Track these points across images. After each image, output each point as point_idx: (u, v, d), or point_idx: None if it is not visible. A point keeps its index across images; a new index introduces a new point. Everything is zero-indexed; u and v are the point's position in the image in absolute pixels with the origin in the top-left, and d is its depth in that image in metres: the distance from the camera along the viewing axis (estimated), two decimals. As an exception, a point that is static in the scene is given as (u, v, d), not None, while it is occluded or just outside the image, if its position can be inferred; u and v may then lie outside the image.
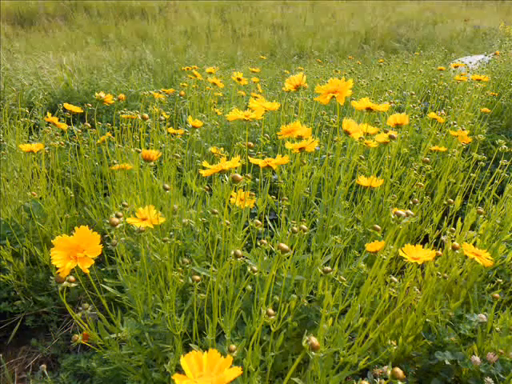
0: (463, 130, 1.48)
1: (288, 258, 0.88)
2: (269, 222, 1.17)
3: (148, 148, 1.40)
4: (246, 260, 0.98)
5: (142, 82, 3.78)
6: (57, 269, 0.62)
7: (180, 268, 0.88)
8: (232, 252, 0.69)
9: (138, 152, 1.10)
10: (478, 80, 1.96)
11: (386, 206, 1.32)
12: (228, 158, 1.18)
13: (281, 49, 7.02)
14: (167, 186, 0.81)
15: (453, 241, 1.08)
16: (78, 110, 1.31)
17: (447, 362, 0.89)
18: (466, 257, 0.97)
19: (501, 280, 1.01)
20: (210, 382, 0.39)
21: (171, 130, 1.43)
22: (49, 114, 1.39)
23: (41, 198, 1.42)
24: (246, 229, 1.04)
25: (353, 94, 2.24)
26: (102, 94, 1.23)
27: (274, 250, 0.82)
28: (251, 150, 1.01)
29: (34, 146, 1.25)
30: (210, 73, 2.31)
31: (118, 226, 0.69)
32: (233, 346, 0.62)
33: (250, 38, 7.51)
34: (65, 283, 0.63)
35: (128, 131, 1.45)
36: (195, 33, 7.63)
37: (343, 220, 1.11)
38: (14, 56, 4.73)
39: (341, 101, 0.85)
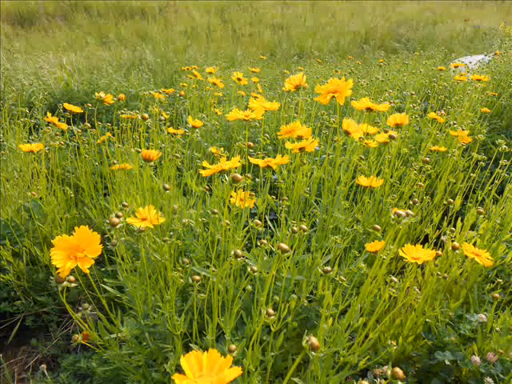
0: (463, 130, 1.48)
1: (288, 257, 0.88)
2: (269, 222, 1.17)
3: (148, 148, 1.40)
4: (246, 260, 0.98)
5: (142, 82, 3.79)
6: (57, 269, 0.62)
7: (180, 268, 0.88)
8: (232, 252, 0.69)
9: (138, 152, 1.10)
10: (478, 80, 1.96)
11: (386, 206, 1.32)
12: (228, 158, 1.18)
13: (281, 49, 7.02)
14: (167, 186, 0.81)
15: (453, 241, 1.08)
16: (77, 109, 1.31)
17: (447, 362, 0.89)
18: (466, 257, 0.97)
19: (501, 280, 1.01)
20: (210, 382, 0.39)
21: (171, 130, 1.43)
22: (49, 114, 1.39)
23: (41, 198, 1.42)
24: (246, 229, 1.04)
25: (353, 94, 2.24)
26: (101, 94, 1.23)
27: (274, 249, 0.82)
28: (251, 150, 1.01)
29: (34, 146, 1.25)
30: (210, 73, 2.31)
31: (118, 226, 0.69)
32: (233, 346, 0.62)
33: (250, 38, 7.51)
34: (65, 283, 0.63)
35: (128, 131, 1.45)
36: (195, 33, 7.63)
37: (343, 220, 1.11)
38: (14, 56, 4.73)
39: (341, 101, 0.85)
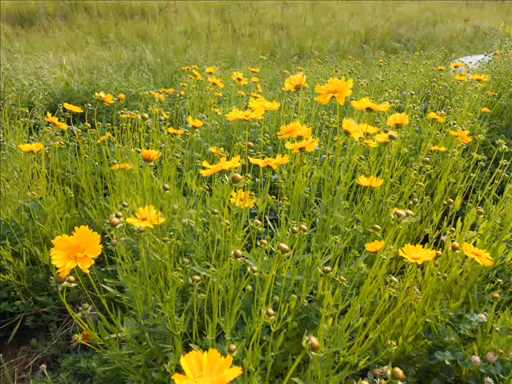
0: (463, 130, 1.48)
1: (288, 257, 0.88)
2: (269, 222, 1.17)
3: (148, 148, 1.40)
4: (246, 260, 0.98)
5: (142, 82, 3.79)
6: (57, 269, 0.62)
7: (180, 268, 0.88)
8: (232, 252, 0.69)
9: (138, 152, 1.10)
10: (478, 80, 1.96)
11: (386, 206, 1.32)
12: (228, 158, 1.18)
13: (281, 49, 7.02)
14: (167, 186, 0.81)
15: (453, 241, 1.08)
16: (77, 109, 1.31)
17: (447, 362, 0.89)
18: (466, 257, 0.97)
19: (501, 280, 1.01)
20: (210, 382, 0.39)
21: (171, 130, 1.43)
22: (49, 114, 1.39)
23: (41, 198, 1.42)
24: (246, 229, 1.04)
25: (353, 94, 2.25)
26: (102, 94, 1.23)
27: (274, 249, 0.82)
28: (251, 150, 1.01)
29: (34, 146, 1.25)
30: (210, 73, 2.31)
31: (118, 226, 0.69)
32: (233, 346, 0.62)
33: (250, 38, 7.51)
34: (65, 283, 0.63)
35: (128, 131, 1.45)
36: (195, 33, 7.63)
37: (343, 220, 1.11)
38: (14, 56, 4.73)
39: (341, 101, 0.85)
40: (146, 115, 1.08)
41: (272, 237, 1.14)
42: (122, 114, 1.50)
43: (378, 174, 1.47)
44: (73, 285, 0.64)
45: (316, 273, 1.03)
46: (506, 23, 7.34)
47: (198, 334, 0.87)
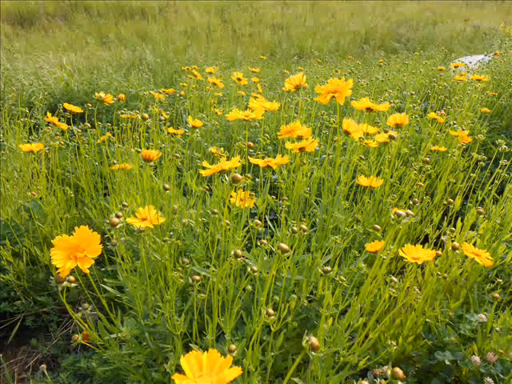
0: (463, 130, 1.48)
1: (288, 257, 0.88)
2: (269, 222, 1.17)
3: (148, 148, 1.40)
4: (246, 260, 0.98)
5: (142, 82, 3.79)
6: (57, 269, 0.62)
7: (180, 268, 0.88)
8: (232, 252, 0.69)
9: (138, 152, 1.10)
10: (478, 80, 1.96)
11: (386, 206, 1.32)
12: (228, 158, 1.18)
13: (281, 49, 7.02)
14: (167, 186, 0.81)
15: (453, 241, 1.08)
16: (77, 109, 1.31)
17: (447, 362, 0.89)
18: (466, 257, 0.97)
19: (501, 280, 1.01)
20: (210, 382, 0.39)
21: (171, 130, 1.43)
22: (49, 114, 1.39)
23: (41, 198, 1.42)
24: (246, 229, 1.04)
25: (353, 94, 2.25)
26: (102, 94, 1.23)
27: (274, 249, 0.82)
28: (251, 150, 1.01)
29: (34, 146, 1.25)
30: (210, 73, 2.31)
31: (118, 226, 0.69)
32: (233, 346, 0.62)
33: (249, 38, 7.51)
34: (65, 283, 0.63)
35: (128, 131, 1.45)
36: (195, 33, 7.63)
37: (343, 220, 1.11)
38: (14, 56, 4.73)
39: (341, 101, 0.85)
40: (146, 115, 1.08)
41: (272, 237, 1.14)
42: (122, 113, 1.50)
43: (378, 174, 1.47)
44: (73, 285, 0.64)
45: (316, 273, 1.03)
46: (506, 23, 7.34)
47: (198, 334, 0.87)
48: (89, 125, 1.32)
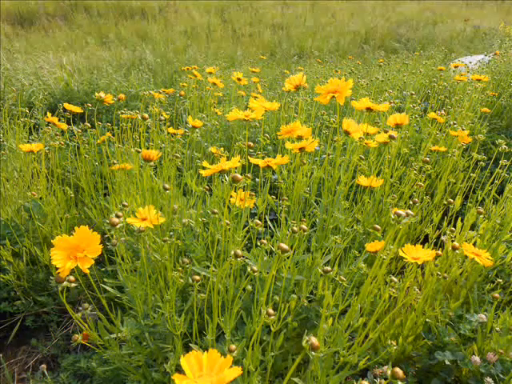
0: (463, 129, 1.48)
1: (288, 257, 0.88)
2: (269, 222, 1.17)
3: (148, 148, 1.40)
4: (246, 260, 0.98)
5: (142, 82, 3.79)
6: (57, 269, 0.62)
7: (180, 268, 0.88)
8: (232, 252, 0.69)
9: (138, 152, 1.10)
10: (478, 80, 1.96)
11: (386, 206, 1.32)
12: (228, 158, 1.18)
13: (281, 49, 7.02)
14: (167, 186, 0.81)
15: (453, 241, 1.08)
16: (77, 109, 1.31)
17: (447, 362, 0.89)
18: (466, 257, 0.97)
19: (501, 280, 1.01)
20: (210, 382, 0.39)
21: (171, 130, 1.43)
22: (49, 114, 1.39)
23: (41, 198, 1.42)
24: (246, 229, 1.04)
25: (353, 94, 2.25)
26: (102, 94, 1.23)
27: (274, 249, 0.82)
28: (251, 150, 1.01)
29: (34, 146, 1.25)
30: (210, 73, 2.31)
31: (118, 226, 0.69)
32: (233, 346, 0.62)
33: (249, 38, 7.51)
34: (65, 283, 0.63)
35: (128, 131, 1.45)
36: (195, 33, 7.63)
37: (343, 220, 1.11)
38: (14, 56, 4.73)
39: (341, 101, 0.85)
40: (146, 115, 1.08)
41: (272, 237, 1.14)
42: (122, 113, 1.50)
43: (378, 174, 1.47)
44: (73, 285, 0.64)
45: (316, 273, 1.03)
46: (506, 23, 7.34)
47: (198, 334, 0.87)
48: (89, 125, 1.32)
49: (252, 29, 8.05)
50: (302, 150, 1.00)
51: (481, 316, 0.93)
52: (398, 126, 1.11)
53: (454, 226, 1.32)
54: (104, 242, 0.67)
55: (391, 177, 1.36)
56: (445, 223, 1.32)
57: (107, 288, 1.01)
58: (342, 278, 0.84)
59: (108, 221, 0.69)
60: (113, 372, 0.97)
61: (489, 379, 0.82)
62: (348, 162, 1.15)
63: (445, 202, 1.28)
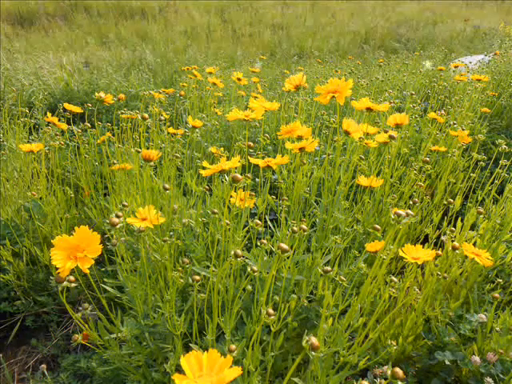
0: (463, 130, 1.48)
1: (288, 257, 0.88)
2: (269, 222, 1.17)
3: (148, 148, 1.40)
4: (246, 260, 0.98)
5: (142, 82, 3.79)
6: (57, 269, 0.62)
7: (180, 268, 0.88)
8: (232, 252, 0.69)
9: (138, 152, 1.10)
10: (478, 80, 1.96)
11: (386, 206, 1.32)
12: (228, 158, 1.18)
13: (281, 49, 7.02)
14: (167, 186, 0.81)
15: (453, 241, 1.08)
16: (77, 109, 1.32)
17: (447, 362, 0.89)
18: (466, 257, 0.97)
19: (501, 280, 1.01)
20: (210, 382, 0.39)
21: (171, 130, 1.43)
22: (49, 114, 1.39)
23: (41, 198, 1.42)
24: (246, 229, 1.04)
25: (353, 94, 2.25)
26: (102, 94, 1.23)
27: (274, 249, 0.82)
28: (251, 150, 1.01)
29: (34, 146, 1.25)
30: (210, 73, 2.31)
31: (118, 226, 0.69)
32: (233, 346, 0.62)
33: (249, 38, 7.51)
34: (65, 283, 0.63)
35: (128, 131, 1.45)
36: (195, 33, 7.63)
37: (343, 220, 1.11)
38: (14, 56, 4.73)
39: (341, 101, 0.86)
40: (146, 115, 1.08)
41: (272, 237, 1.14)
42: (122, 114, 1.50)
43: (378, 174, 1.47)
44: (73, 285, 0.64)
45: (316, 273, 1.03)
46: (506, 23, 7.34)
47: (198, 334, 0.87)
48: (89, 125, 1.32)
49: (252, 29, 8.05)
50: (301, 149, 1.00)
51: (481, 316, 0.93)
52: (397, 126, 1.11)
53: (454, 226, 1.32)
54: (104, 242, 0.67)
55: (391, 177, 1.36)
56: (445, 223, 1.32)
57: (107, 288, 1.01)
58: (342, 277, 0.84)
59: (108, 221, 0.69)
60: (113, 372, 0.97)
61: (489, 379, 0.82)
62: (348, 162, 1.15)
63: (445, 202, 1.28)
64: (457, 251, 0.88)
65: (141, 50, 5.62)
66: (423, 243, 1.41)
